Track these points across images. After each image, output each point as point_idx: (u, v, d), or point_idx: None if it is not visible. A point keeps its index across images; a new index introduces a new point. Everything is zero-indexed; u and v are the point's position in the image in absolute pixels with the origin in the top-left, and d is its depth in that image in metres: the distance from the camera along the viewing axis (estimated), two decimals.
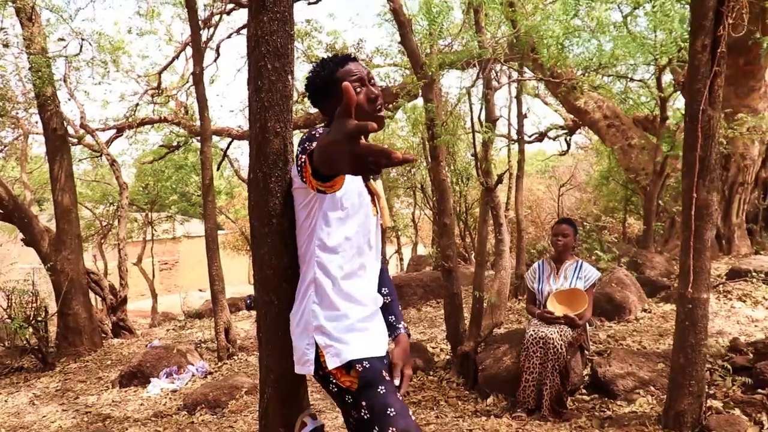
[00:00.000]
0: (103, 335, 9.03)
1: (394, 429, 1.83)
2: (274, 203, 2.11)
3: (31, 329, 7.42)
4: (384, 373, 1.96)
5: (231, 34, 13.97)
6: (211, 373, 6.34)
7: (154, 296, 17.87)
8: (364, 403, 1.89)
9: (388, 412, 1.86)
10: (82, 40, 8.75)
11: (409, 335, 2.26)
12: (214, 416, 4.94)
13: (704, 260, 3.69)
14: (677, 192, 8.70)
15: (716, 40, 3.60)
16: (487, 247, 5.52)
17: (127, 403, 5.73)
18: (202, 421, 4.85)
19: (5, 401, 6.19)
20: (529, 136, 19.72)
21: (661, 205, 8.71)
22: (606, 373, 4.58)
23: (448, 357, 5.72)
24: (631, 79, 9.15)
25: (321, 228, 2.00)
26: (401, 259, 20.28)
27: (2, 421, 5.49)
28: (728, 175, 10.03)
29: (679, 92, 10.43)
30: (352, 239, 2.02)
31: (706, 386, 4.21)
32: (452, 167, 15.44)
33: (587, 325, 4.74)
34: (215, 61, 14.64)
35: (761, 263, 7.36)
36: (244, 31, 14.31)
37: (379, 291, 2.24)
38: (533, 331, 4.42)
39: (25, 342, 7.49)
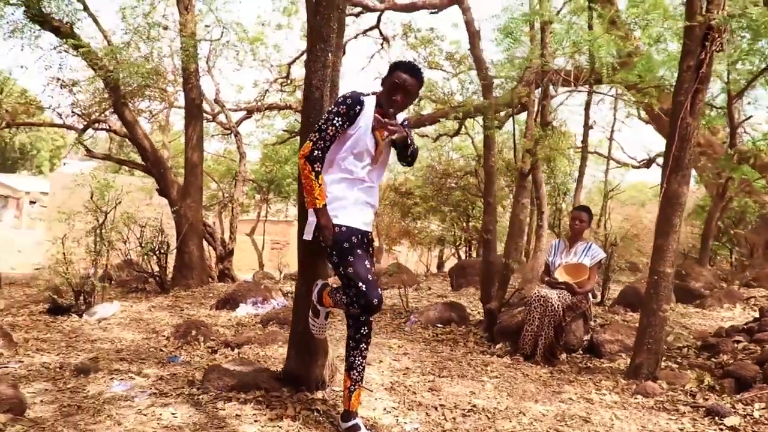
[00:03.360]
0: (210, 279, 10.68)
1: (351, 269, 2.98)
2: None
3: (155, 258, 9.11)
4: (354, 238, 3.10)
5: (357, 34, 15.32)
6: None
7: (261, 267, 19.78)
8: (336, 252, 3.05)
9: (349, 258, 3.00)
10: (224, 27, 10.48)
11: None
12: (282, 329, 6.22)
13: (670, 241, 4.51)
14: (739, 214, 9.12)
15: (700, 63, 4.43)
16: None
17: (219, 317, 7.15)
18: (272, 330, 6.15)
19: (131, 306, 7.82)
20: (639, 162, 19.92)
21: (722, 227, 9.16)
22: (598, 338, 5.43)
23: (482, 318, 6.71)
24: (713, 107, 9.61)
25: (337, 151, 3.16)
26: None
27: (128, 315, 7.07)
28: None
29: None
30: (355, 157, 3.16)
31: (682, 357, 5.01)
32: (551, 181, 16.07)
33: (591, 297, 5.60)
34: (341, 58, 16.16)
35: None
36: (370, 33, 15.62)
37: None
38: (537, 291, 5.36)
39: (149, 268, 9.20)
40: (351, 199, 3.19)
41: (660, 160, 19.16)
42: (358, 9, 13.95)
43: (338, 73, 3.67)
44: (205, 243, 10.79)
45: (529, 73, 5.95)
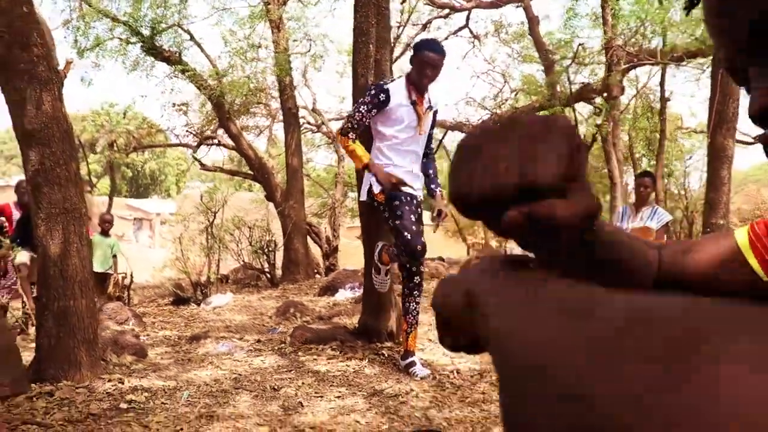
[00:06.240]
0: (318, 275, 11.51)
1: (398, 221, 3.50)
2: None
3: (265, 256, 10.04)
4: (404, 198, 3.61)
5: (448, 35, 15.81)
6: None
7: None
8: (387, 209, 3.58)
9: (398, 212, 3.53)
10: (310, 41, 11.38)
11: (441, 194, 3.86)
12: None
13: (720, 193, 4.68)
14: None
15: None
16: None
17: (319, 301, 7.87)
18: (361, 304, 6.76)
19: (243, 297, 8.73)
20: (753, 138, 19.16)
21: None
22: None
23: None
24: None
25: (383, 123, 3.70)
26: None
27: (239, 303, 7.96)
28: None
29: None
30: (399, 132, 3.69)
31: None
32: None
33: None
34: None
35: None
36: (461, 33, 16.03)
37: (426, 171, 3.90)
38: None
39: (260, 266, 10.14)
40: (399, 166, 3.72)
41: None
42: (446, 11, 14.47)
43: (387, 64, 4.21)
44: (311, 241, 11.65)
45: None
